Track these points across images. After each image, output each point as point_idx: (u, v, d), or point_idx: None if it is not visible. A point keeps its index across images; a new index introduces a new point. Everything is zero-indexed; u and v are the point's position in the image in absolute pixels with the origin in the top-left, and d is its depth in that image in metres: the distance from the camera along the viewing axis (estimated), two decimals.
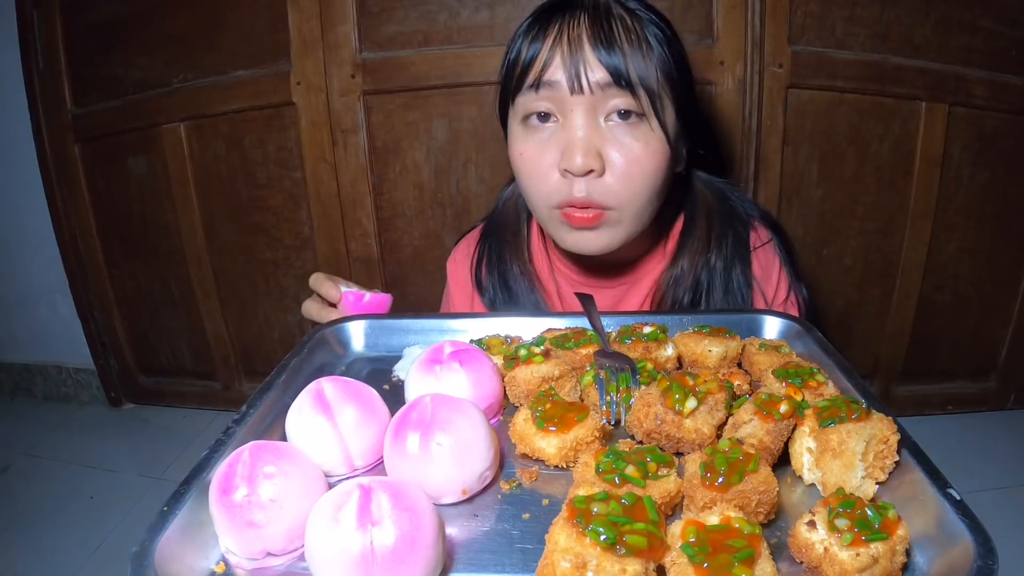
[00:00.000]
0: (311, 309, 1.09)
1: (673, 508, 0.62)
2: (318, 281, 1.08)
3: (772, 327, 0.95)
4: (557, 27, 0.97)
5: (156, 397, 2.71)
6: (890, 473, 0.64)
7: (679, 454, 0.70)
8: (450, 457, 0.63)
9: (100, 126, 2.29)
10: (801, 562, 0.56)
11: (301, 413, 0.70)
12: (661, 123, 0.97)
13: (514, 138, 1.04)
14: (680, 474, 0.63)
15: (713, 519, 0.54)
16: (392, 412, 0.70)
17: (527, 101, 1.00)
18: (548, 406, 0.71)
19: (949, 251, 2.09)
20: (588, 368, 0.82)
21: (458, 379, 0.75)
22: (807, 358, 0.83)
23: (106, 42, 2.18)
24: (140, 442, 2.56)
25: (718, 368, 0.83)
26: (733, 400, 0.73)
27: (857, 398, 0.71)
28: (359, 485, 0.54)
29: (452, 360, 0.76)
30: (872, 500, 0.60)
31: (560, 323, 0.96)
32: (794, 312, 1.15)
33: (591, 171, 0.96)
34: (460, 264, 1.27)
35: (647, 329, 0.87)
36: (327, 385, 0.71)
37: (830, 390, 0.74)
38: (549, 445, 0.68)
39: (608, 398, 0.76)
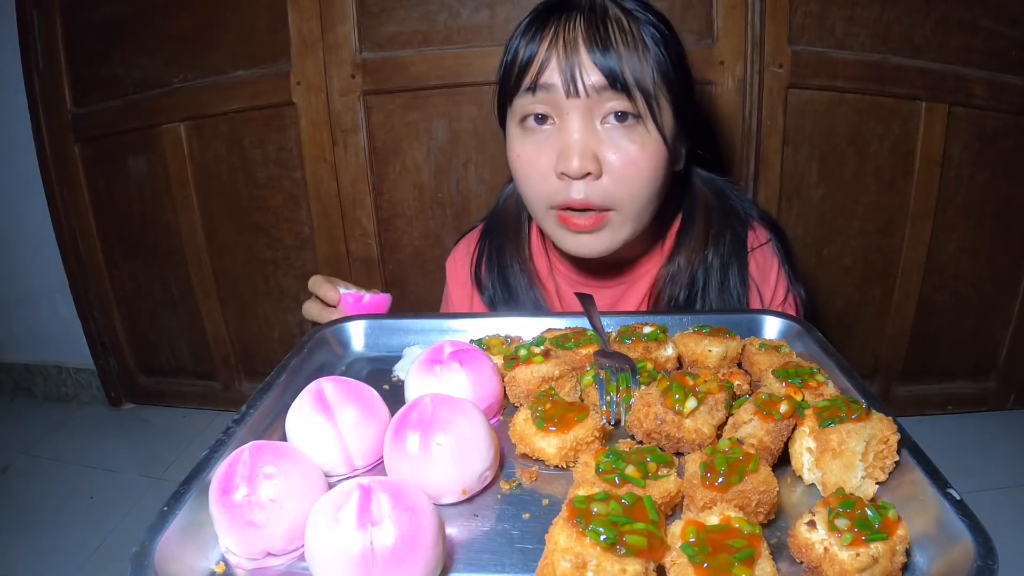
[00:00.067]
0: (312, 310, 1.09)
1: (673, 508, 0.62)
2: (317, 284, 1.08)
3: (772, 327, 0.95)
4: (553, 29, 0.96)
5: (156, 397, 2.71)
6: (890, 473, 0.64)
7: (679, 454, 0.70)
8: (450, 457, 0.63)
9: (100, 126, 2.29)
10: (801, 562, 0.56)
11: (301, 413, 0.70)
12: (658, 125, 0.97)
13: (512, 139, 1.04)
14: (680, 474, 0.63)
15: (713, 519, 0.54)
16: (392, 412, 0.70)
17: (524, 103, 1.00)
18: (548, 406, 0.71)
19: (949, 251, 2.09)
20: (588, 368, 0.82)
21: (458, 379, 0.75)
22: (807, 358, 0.83)
23: (106, 42, 2.18)
24: (140, 442, 2.56)
25: (718, 368, 0.83)
26: (733, 400, 0.73)
27: (857, 398, 0.71)
28: (359, 485, 0.54)
29: (452, 360, 0.76)
30: (872, 500, 0.60)
31: (560, 323, 0.96)
32: (792, 313, 1.15)
33: (588, 174, 0.96)
34: (460, 263, 1.27)
35: (647, 329, 0.87)
36: (327, 385, 0.71)
37: (830, 390, 0.74)
38: (549, 445, 0.68)
39: (608, 398, 0.76)
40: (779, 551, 0.58)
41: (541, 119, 0.99)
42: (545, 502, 0.65)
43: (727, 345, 0.84)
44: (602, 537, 0.50)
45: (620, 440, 0.69)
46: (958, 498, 0.57)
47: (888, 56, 1.87)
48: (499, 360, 0.85)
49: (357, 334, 0.99)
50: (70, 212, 2.43)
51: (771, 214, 1.33)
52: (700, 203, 1.15)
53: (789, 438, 0.68)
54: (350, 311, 1.05)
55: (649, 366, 0.80)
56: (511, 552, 0.59)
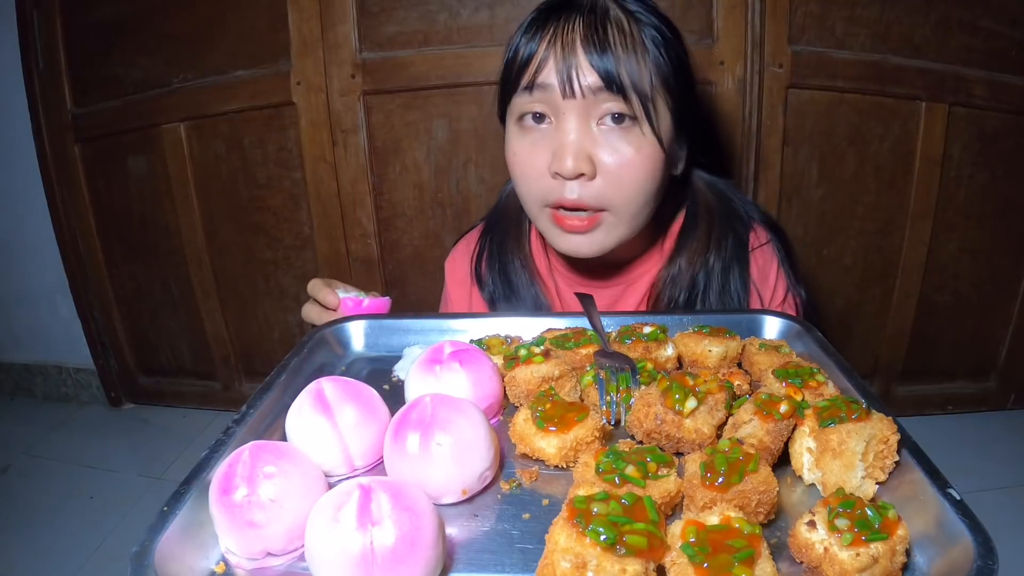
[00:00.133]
0: (311, 313, 1.09)
1: (673, 508, 0.62)
2: (316, 288, 1.08)
3: (772, 327, 0.95)
4: (553, 29, 0.96)
5: (156, 397, 2.71)
6: (890, 473, 0.64)
7: (679, 454, 0.70)
8: (450, 457, 0.63)
9: (100, 126, 2.29)
10: (801, 562, 0.56)
11: (301, 413, 0.70)
12: (654, 128, 0.97)
13: (510, 137, 1.04)
14: (680, 474, 0.63)
15: (713, 519, 0.54)
16: (392, 412, 0.70)
17: (522, 101, 1.00)
18: (548, 406, 0.71)
19: (949, 251, 2.09)
20: (588, 368, 0.82)
21: (458, 379, 0.75)
22: (807, 358, 0.84)
23: (106, 42, 2.18)
24: (140, 442, 2.56)
25: (718, 368, 0.83)
26: (733, 400, 0.73)
27: (857, 398, 0.71)
28: (359, 485, 0.54)
29: (452, 360, 0.76)
30: (872, 500, 0.60)
31: (560, 323, 0.96)
32: (791, 313, 1.15)
33: (582, 175, 0.96)
34: (459, 262, 1.27)
35: (647, 329, 0.87)
36: (327, 385, 0.71)
37: (830, 390, 0.74)
38: (549, 445, 0.68)
39: (608, 398, 0.76)
40: (779, 551, 0.58)
41: (538, 118, 0.99)
42: (545, 502, 0.65)
43: (727, 345, 0.84)
44: (602, 537, 0.50)
45: (620, 440, 0.69)
46: (958, 498, 0.57)
47: (888, 56, 1.87)
48: (499, 360, 0.85)
49: (357, 334, 0.99)
50: (70, 212, 2.43)
51: (772, 216, 1.33)
52: (702, 206, 1.15)
53: (789, 438, 0.68)
54: (349, 315, 1.05)
55: (649, 366, 0.80)
56: (511, 552, 0.59)
